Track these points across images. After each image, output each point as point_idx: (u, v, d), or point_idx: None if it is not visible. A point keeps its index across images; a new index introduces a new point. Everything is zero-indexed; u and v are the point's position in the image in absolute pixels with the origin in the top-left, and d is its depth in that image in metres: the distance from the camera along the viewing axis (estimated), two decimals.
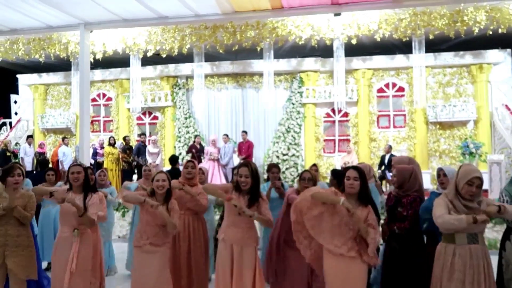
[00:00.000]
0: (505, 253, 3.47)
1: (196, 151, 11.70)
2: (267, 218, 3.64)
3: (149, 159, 11.50)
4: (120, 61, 13.14)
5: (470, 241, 2.95)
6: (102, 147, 12.14)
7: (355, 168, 3.41)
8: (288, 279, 4.11)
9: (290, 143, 12.68)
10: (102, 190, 4.83)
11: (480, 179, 3.01)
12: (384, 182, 10.23)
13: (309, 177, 4.17)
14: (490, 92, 11.93)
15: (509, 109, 11.34)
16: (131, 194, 3.85)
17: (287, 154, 12.58)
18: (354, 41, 10.76)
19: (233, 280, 3.48)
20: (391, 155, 10.62)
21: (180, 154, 13.04)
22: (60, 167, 11.58)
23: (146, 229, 3.72)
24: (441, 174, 3.91)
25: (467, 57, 11.97)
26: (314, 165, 5.18)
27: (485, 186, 9.55)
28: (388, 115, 12.58)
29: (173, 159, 8.23)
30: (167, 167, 10.93)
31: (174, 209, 3.75)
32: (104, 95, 14.36)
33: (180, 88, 13.59)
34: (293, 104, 12.79)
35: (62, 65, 13.66)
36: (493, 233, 7.06)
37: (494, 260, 3.35)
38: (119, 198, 5.66)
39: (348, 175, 3.35)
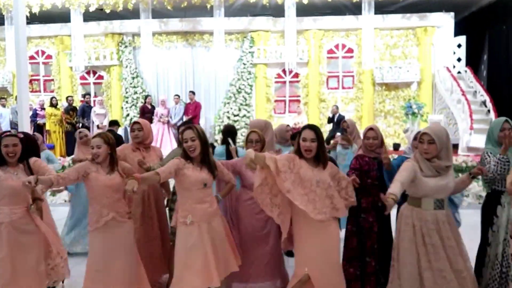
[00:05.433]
0: (497, 219, 3.31)
1: (148, 112, 11.41)
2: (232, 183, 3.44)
3: (96, 121, 11.08)
4: (59, 15, 12.26)
5: (436, 207, 2.87)
6: (42, 108, 11.51)
7: (311, 128, 3.02)
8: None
9: (241, 104, 12.63)
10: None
11: (429, 135, 2.85)
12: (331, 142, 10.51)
13: (257, 138, 3.60)
14: (433, 54, 12.39)
15: (449, 71, 11.86)
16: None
17: (238, 115, 12.55)
18: (305, 1, 10.67)
19: (215, 259, 3.04)
20: (339, 116, 10.88)
21: (128, 115, 12.68)
22: None
23: (104, 204, 3.16)
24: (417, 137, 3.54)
25: (413, 19, 12.26)
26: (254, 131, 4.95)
27: None
28: (337, 76, 12.78)
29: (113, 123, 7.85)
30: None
31: (126, 168, 3.31)
32: (43, 52, 13.44)
33: (126, 46, 12.98)
34: (244, 64, 12.64)
35: None
36: None
37: None
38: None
39: (304, 136, 2.98)
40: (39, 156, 3.58)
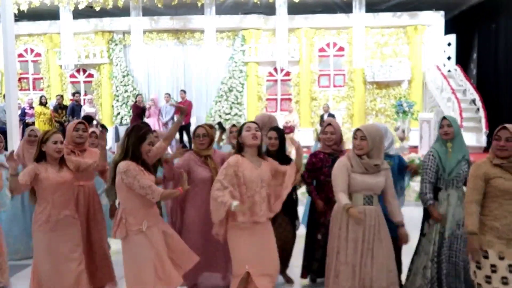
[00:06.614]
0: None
1: (139, 111, 11.33)
2: None
3: None
4: (48, 13, 12.13)
5: (365, 202, 3.05)
6: (31, 107, 11.37)
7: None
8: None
9: (233, 102, 12.60)
10: None
11: (362, 131, 3.05)
12: None
13: (204, 133, 3.63)
14: (423, 52, 12.46)
15: (439, 69, 11.94)
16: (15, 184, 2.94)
17: (229, 114, 12.52)
18: None
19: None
20: (329, 114, 10.90)
21: (118, 113, 12.60)
22: None
23: (55, 203, 3.07)
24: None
25: (404, 18, 12.32)
26: (234, 125, 4.86)
27: (416, 142, 10.19)
28: (329, 75, 12.80)
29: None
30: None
31: (75, 161, 3.30)
32: (32, 50, 13.28)
33: (116, 44, 12.88)
34: (235, 62, 12.61)
35: None
36: None
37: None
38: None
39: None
40: None
